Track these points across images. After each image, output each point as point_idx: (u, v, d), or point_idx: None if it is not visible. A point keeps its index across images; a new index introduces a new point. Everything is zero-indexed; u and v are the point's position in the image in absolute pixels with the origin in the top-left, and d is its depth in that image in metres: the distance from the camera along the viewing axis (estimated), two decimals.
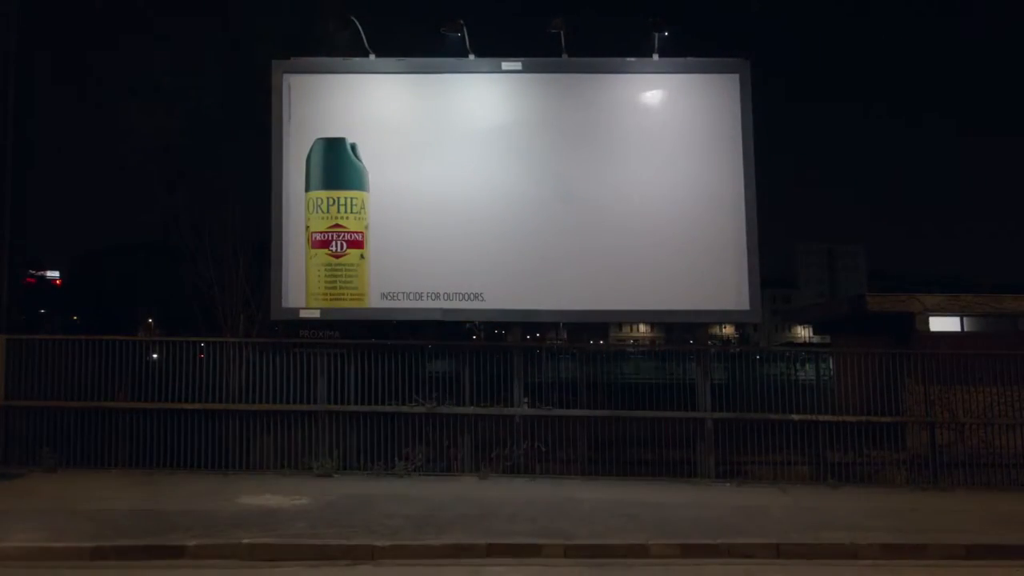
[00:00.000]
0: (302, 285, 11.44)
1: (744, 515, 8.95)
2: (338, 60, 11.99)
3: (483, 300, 11.33)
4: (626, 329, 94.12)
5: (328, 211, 11.43)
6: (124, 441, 11.19)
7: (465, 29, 11.32)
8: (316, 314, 11.38)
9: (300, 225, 11.49)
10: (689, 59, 11.73)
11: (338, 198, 11.44)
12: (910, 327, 13.67)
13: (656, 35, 11.40)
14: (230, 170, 13.87)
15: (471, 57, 11.65)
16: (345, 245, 11.39)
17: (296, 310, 11.43)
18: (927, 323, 13.82)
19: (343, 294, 11.39)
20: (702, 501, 9.78)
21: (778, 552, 7.70)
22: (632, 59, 11.73)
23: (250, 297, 13.91)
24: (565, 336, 16.50)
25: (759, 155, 11.42)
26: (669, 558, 7.57)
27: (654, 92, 11.66)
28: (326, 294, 11.40)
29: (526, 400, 11.55)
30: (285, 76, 11.67)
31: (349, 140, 11.49)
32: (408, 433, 11.38)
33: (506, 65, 11.68)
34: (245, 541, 7.50)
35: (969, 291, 14.47)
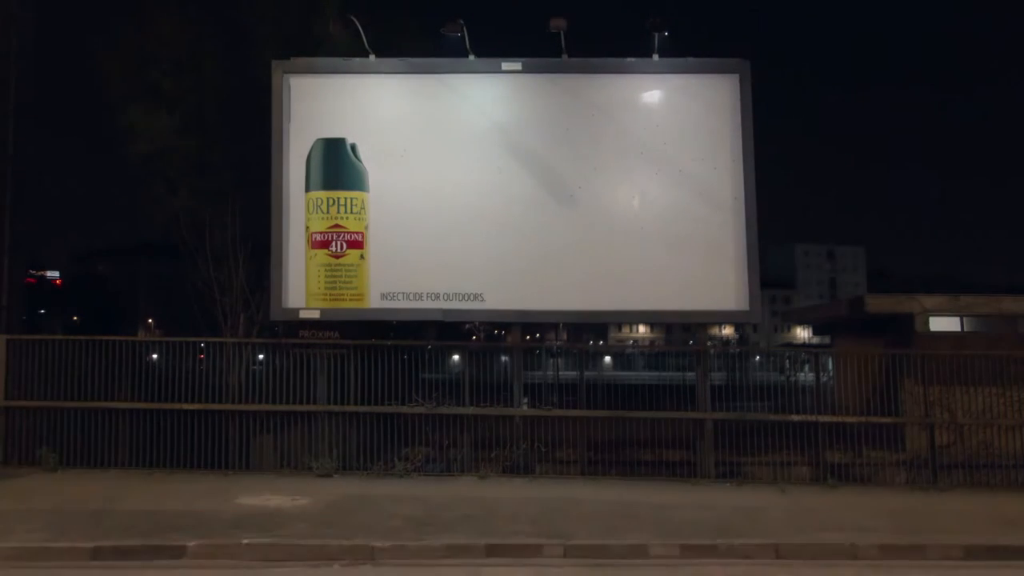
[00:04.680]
0: (302, 285, 11.44)
1: (743, 515, 8.96)
2: (338, 60, 12.00)
3: (483, 300, 11.34)
4: (626, 330, 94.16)
5: (328, 211, 11.43)
6: (124, 441, 11.19)
7: (465, 30, 11.32)
8: (316, 314, 11.38)
9: (300, 225, 11.50)
10: (689, 59, 11.74)
11: (338, 198, 11.44)
12: (910, 328, 13.67)
13: (656, 35, 11.41)
14: (230, 170, 13.89)
15: (471, 57, 11.66)
16: (345, 245, 11.40)
17: (296, 310, 11.43)
18: (927, 324, 13.83)
19: (343, 294, 11.40)
20: (702, 502, 9.79)
21: (777, 553, 7.71)
22: (632, 59, 11.74)
23: (250, 297, 13.92)
24: (565, 336, 16.51)
25: (759, 155, 11.45)
26: (669, 558, 7.58)
27: (654, 92, 11.67)
28: (326, 294, 11.40)
29: (526, 400, 11.55)
30: (285, 76, 11.68)
31: (349, 140, 11.51)
32: (408, 433, 11.38)
33: (506, 65, 11.69)
34: (245, 541, 7.50)
35: (969, 292, 14.47)
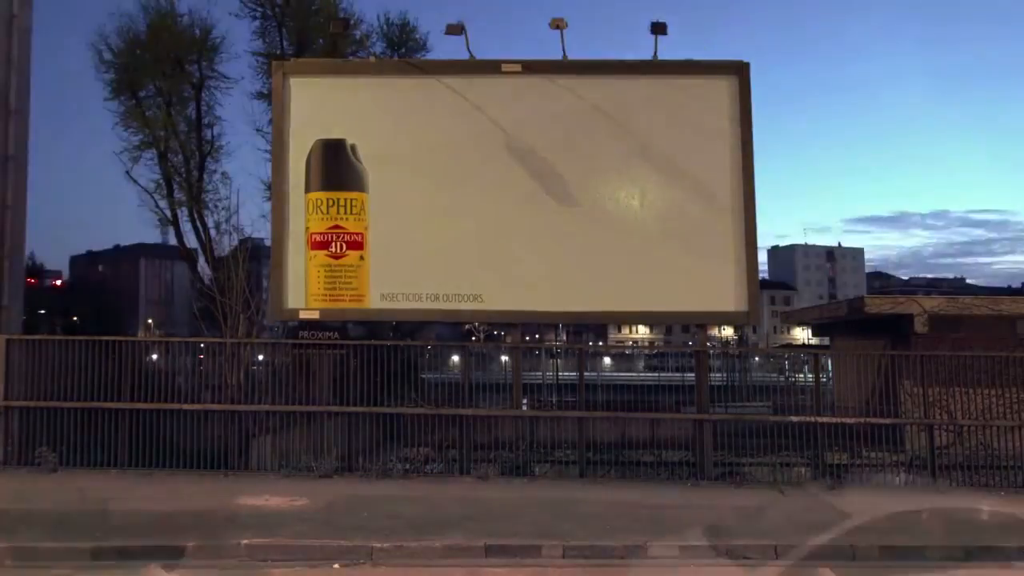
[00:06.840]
0: (302, 286, 11.45)
1: (742, 516, 8.97)
2: (338, 62, 12.05)
3: (482, 301, 11.34)
4: (626, 330, 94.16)
5: (328, 212, 11.44)
6: (124, 441, 11.17)
7: (466, 31, 11.36)
8: (316, 315, 11.39)
9: (300, 226, 11.51)
10: (689, 60, 11.76)
11: (338, 199, 11.45)
12: (908, 329, 13.69)
13: (656, 37, 11.44)
14: (230, 170, 13.92)
15: (471, 58, 11.67)
16: (345, 246, 11.40)
17: (296, 311, 11.44)
18: (926, 325, 13.84)
19: (343, 295, 11.40)
20: (701, 502, 9.79)
21: (776, 553, 7.71)
22: (632, 60, 11.77)
23: (250, 298, 13.94)
24: (565, 337, 16.55)
25: (758, 156, 11.48)
26: (668, 559, 7.58)
27: (654, 93, 11.68)
28: (326, 295, 11.41)
29: (525, 401, 11.56)
30: (285, 77, 11.69)
31: (349, 141, 11.52)
32: (407, 434, 11.38)
33: (506, 67, 11.70)
34: (244, 542, 7.51)
35: (967, 293, 14.50)
